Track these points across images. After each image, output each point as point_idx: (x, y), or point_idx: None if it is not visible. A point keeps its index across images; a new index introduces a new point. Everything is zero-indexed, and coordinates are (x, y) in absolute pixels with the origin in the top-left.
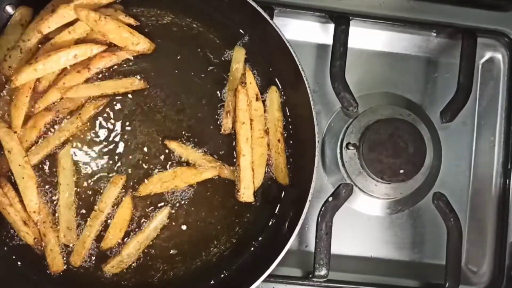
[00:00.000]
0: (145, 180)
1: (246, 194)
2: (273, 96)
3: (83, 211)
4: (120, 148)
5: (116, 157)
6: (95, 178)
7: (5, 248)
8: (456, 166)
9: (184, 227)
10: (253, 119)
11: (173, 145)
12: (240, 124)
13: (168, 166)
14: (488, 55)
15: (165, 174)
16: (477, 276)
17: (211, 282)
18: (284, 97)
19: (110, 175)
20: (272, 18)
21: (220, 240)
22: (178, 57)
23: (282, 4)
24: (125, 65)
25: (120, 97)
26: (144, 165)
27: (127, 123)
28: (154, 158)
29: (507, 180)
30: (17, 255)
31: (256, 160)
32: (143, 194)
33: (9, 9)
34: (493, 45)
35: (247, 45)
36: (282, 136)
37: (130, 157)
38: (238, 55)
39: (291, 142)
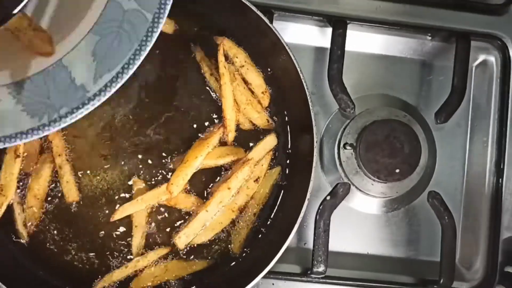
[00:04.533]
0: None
1: (181, 240)
2: (274, 174)
3: None
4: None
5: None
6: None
7: (9, 246)
8: (450, 165)
9: None
10: (240, 190)
11: None
12: (225, 188)
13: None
14: (481, 58)
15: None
16: (470, 273)
17: (212, 280)
18: (284, 99)
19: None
20: (271, 22)
21: (220, 238)
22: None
23: (281, 8)
24: None
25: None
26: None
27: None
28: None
29: (500, 179)
30: (22, 253)
31: (215, 220)
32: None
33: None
34: (486, 48)
35: (246, 48)
36: (258, 212)
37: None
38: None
39: (290, 143)
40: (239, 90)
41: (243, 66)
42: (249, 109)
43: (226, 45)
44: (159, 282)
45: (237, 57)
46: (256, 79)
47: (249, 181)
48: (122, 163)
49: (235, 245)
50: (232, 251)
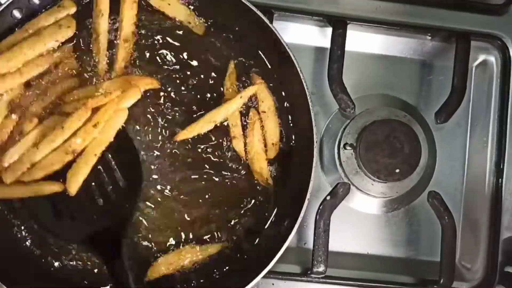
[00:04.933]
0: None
1: (7, 175)
2: (120, 118)
3: None
4: None
5: None
6: None
7: (10, 246)
8: (450, 165)
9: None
10: (77, 133)
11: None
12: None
13: None
14: (481, 58)
15: (170, 255)
16: (470, 273)
17: (213, 278)
18: (284, 100)
19: None
20: (271, 22)
21: (221, 237)
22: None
23: (281, 8)
24: None
25: None
26: None
27: None
28: None
29: (500, 179)
30: (22, 253)
31: (47, 160)
32: (152, 278)
33: (16, 13)
34: (486, 48)
35: (247, 48)
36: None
37: None
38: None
39: (290, 143)
40: (255, 139)
41: (265, 112)
42: (255, 160)
43: (259, 88)
44: (175, 268)
45: (263, 102)
46: (273, 128)
47: (88, 125)
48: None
49: (72, 185)
50: (68, 188)
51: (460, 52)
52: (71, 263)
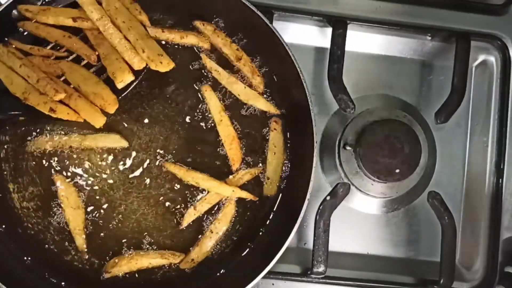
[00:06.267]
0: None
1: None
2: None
3: None
4: None
5: None
6: None
7: (10, 246)
8: (451, 165)
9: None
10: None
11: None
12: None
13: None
14: (481, 58)
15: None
16: (470, 273)
17: (212, 279)
18: (283, 100)
19: None
20: (271, 22)
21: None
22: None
23: (281, 8)
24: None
25: None
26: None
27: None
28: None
29: (500, 180)
30: (22, 253)
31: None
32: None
33: (16, 13)
34: (486, 48)
35: (247, 49)
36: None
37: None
38: None
39: (290, 143)
40: (237, 86)
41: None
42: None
43: (274, 135)
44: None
45: (275, 146)
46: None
47: None
48: (122, 163)
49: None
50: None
51: (460, 52)
52: (70, 263)
